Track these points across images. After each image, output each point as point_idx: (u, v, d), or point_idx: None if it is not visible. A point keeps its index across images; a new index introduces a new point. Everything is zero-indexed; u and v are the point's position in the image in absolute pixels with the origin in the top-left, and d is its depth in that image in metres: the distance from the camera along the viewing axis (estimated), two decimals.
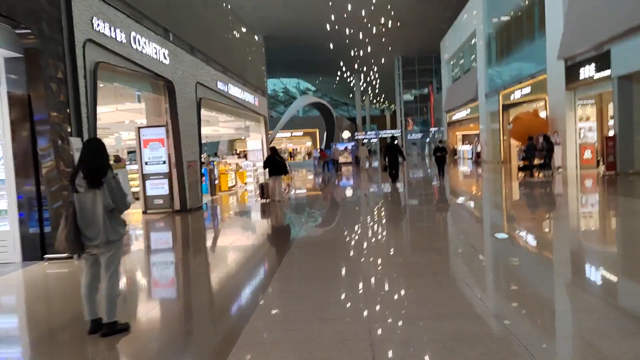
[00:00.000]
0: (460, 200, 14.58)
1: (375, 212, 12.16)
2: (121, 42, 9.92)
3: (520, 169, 19.66)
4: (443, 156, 19.53)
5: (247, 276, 6.58)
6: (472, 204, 13.60)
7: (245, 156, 26.44)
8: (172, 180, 13.18)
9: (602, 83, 18.35)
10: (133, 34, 10.48)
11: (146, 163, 13.29)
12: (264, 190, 15.11)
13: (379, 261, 6.60)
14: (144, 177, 13.31)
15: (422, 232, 8.79)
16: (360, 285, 5.27)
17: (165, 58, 12.19)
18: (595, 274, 5.67)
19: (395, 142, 20.67)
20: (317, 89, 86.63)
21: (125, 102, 13.64)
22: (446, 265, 6.13)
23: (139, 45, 10.67)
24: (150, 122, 13.37)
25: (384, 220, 10.74)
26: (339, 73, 66.81)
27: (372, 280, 5.53)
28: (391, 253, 7.16)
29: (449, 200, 14.36)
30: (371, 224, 10.23)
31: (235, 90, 18.85)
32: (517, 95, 26.80)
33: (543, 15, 22.92)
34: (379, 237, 8.57)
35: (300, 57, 60.38)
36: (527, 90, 25.40)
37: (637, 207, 11.18)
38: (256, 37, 23.99)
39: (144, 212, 13.30)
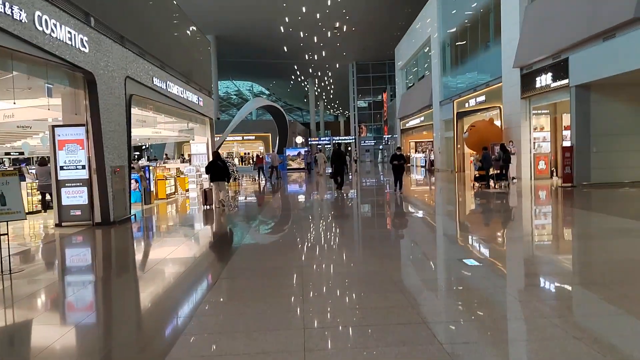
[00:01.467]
0: (417, 214, 13.42)
1: (318, 223, 10.81)
2: (21, 21, 8.09)
3: (476, 179, 18.84)
4: (401, 165, 17.32)
5: (168, 304, 5.36)
6: (430, 220, 12.44)
7: (189, 160, 24.50)
8: (92, 188, 11.32)
9: (559, 92, 17.80)
10: (38, 13, 8.65)
11: (61, 168, 11.36)
12: (206, 197, 14.73)
13: (323, 300, 5.20)
14: (59, 184, 11.37)
15: (375, 258, 7.46)
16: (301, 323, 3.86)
17: (83, 46, 10.37)
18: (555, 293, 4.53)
19: (341, 149, 20.92)
20: (271, 93, 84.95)
21: (39, 97, 11.68)
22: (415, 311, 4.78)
23: (46, 27, 8.84)
24: (67, 120, 11.46)
25: (328, 235, 9.38)
26: (293, 77, 65.50)
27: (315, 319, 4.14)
28: (340, 289, 5.75)
29: (405, 214, 13.17)
30: (312, 236, 8.88)
31: (175, 89, 17.04)
32: (471, 103, 26.25)
33: (499, 24, 22.37)
34: (321, 257, 7.20)
35: (254, 60, 58.65)
36: (482, 98, 24.86)
37: (596, 221, 10.39)
38: (200, 34, 22.15)
39: (58, 225, 11.35)
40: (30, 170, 15.46)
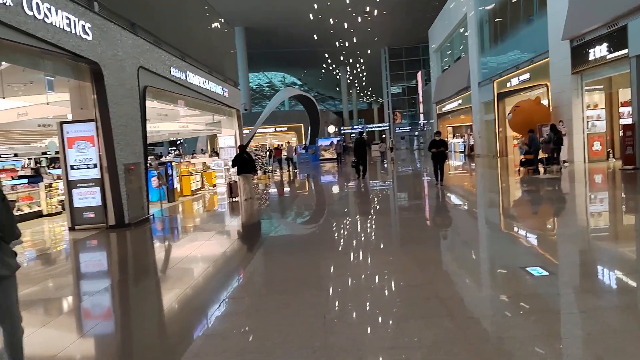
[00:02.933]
0: (461, 207, 11.98)
1: (348, 219, 9.56)
2: (4, 4, 7.13)
3: (522, 164, 17.10)
4: (441, 152, 14.51)
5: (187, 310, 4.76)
6: (477, 215, 10.97)
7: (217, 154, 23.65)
8: (105, 189, 10.43)
9: (616, 64, 15.83)
10: None
11: (72, 167, 10.51)
12: (232, 189, 14.76)
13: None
14: (70, 185, 10.53)
15: (414, 267, 6.16)
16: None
17: (86, 33, 9.40)
18: None
19: (363, 138, 19.68)
20: (303, 83, 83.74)
21: (47, 92, 10.86)
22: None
23: (38, 12, 7.87)
24: (76, 115, 10.58)
25: (360, 234, 8.12)
26: (324, 66, 64.04)
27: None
28: (370, 315, 4.50)
29: (448, 209, 11.75)
30: (340, 237, 7.66)
31: (196, 79, 16.05)
32: (514, 82, 24.27)
33: None
34: (353, 265, 5.98)
35: (285, 50, 57.50)
36: (526, 76, 22.87)
37: None
38: (224, 23, 21.08)
39: (71, 229, 10.54)
40: (48, 171, 14.80)
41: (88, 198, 10.50)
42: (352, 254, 6.74)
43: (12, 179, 13.28)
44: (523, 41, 23.77)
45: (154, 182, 14.78)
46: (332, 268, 6.07)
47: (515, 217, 9.57)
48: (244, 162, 14.15)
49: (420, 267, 5.72)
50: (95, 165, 10.44)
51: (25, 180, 13.20)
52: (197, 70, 16.26)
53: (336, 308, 4.48)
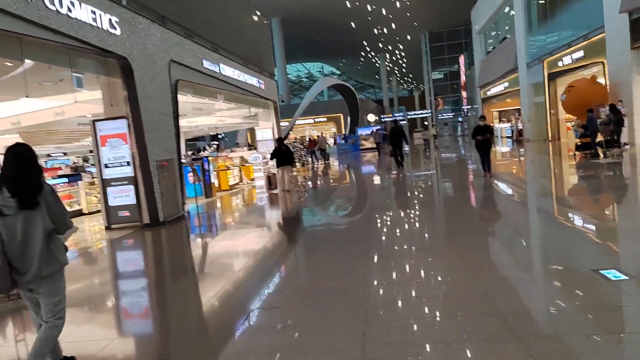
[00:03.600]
0: (514, 198, 11.06)
1: (387, 212, 8.88)
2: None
3: (578, 148, 15.83)
4: (487, 140, 12.88)
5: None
6: (534, 206, 10.06)
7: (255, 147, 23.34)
8: (138, 187, 10.17)
9: None
10: None
11: (106, 165, 10.30)
12: (270, 182, 14.99)
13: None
14: (104, 184, 10.34)
15: (465, 270, 5.46)
16: None
17: (113, 27, 9.09)
18: None
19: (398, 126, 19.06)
20: (342, 72, 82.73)
21: (81, 90, 10.70)
22: None
23: (60, 6, 7.57)
24: (108, 112, 10.35)
25: (400, 231, 7.44)
26: (362, 54, 62.90)
27: None
28: (416, 330, 3.87)
29: (499, 200, 10.86)
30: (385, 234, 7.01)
31: (230, 71, 15.67)
32: (566, 61, 22.67)
33: None
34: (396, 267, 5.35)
35: (322, 40, 56.76)
36: (579, 54, 21.27)
37: None
38: (259, 14, 20.60)
39: (108, 228, 10.36)
40: (87, 170, 14.82)
41: (122, 196, 10.27)
42: (392, 255, 6.09)
43: (53, 178, 13.32)
44: (575, 17, 22.13)
45: (190, 178, 14.56)
46: (371, 272, 5.44)
47: (576, 208, 8.62)
48: (283, 154, 14.20)
49: (474, 272, 5.01)
50: (128, 163, 10.19)
51: (65, 180, 13.20)
52: (231, 62, 15.87)
53: (376, 324, 3.86)
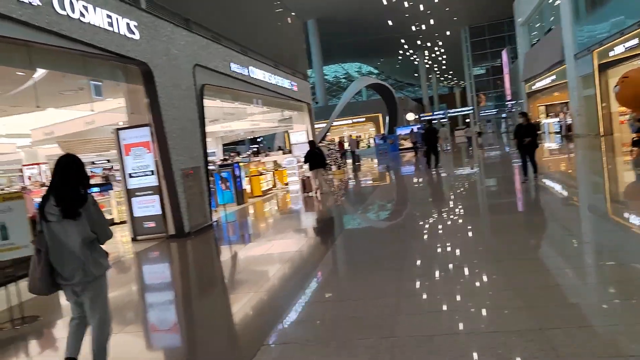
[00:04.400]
0: (567, 206, 9.97)
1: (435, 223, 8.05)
2: (31, 3, 6.45)
3: (635, 143, 14.40)
4: (533, 142, 11.00)
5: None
6: (597, 215, 8.98)
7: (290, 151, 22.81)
8: (163, 196, 9.76)
9: None
10: None
11: (130, 175, 9.96)
12: (305, 185, 15.18)
13: None
14: (129, 194, 9.99)
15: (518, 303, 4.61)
16: None
17: (131, 32, 8.68)
18: None
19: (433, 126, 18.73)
20: (380, 72, 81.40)
21: (108, 98, 10.42)
22: None
23: (72, 10, 7.18)
24: (132, 121, 10.00)
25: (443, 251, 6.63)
26: (400, 52, 61.55)
27: None
28: None
29: (547, 209, 9.81)
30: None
31: (261, 74, 15.16)
32: (618, 50, 20.97)
33: None
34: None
35: (359, 40, 55.82)
36: (634, 42, 19.56)
37: None
38: (290, 14, 20.05)
39: (134, 239, 10.01)
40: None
41: (148, 207, 9.89)
42: (427, 275, 5.31)
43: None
44: (628, 2, 20.42)
45: (222, 185, 14.15)
46: (403, 299, 4.69)
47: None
48: (316, 157, 14.19)
49: (525, 300, 4.18)
50: (152, 172, 9.80)
51: (97, 189, 13.03)
52: (261, 65, 15.37)
53: None
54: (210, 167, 12.81)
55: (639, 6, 19.06)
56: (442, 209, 9.82)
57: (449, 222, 8.29)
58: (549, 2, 32.23)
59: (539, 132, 10.84)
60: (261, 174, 15.97)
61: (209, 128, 18.45)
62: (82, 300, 3.41)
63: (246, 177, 15.33)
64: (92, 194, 3.65)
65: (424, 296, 4.69)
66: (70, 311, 3.55)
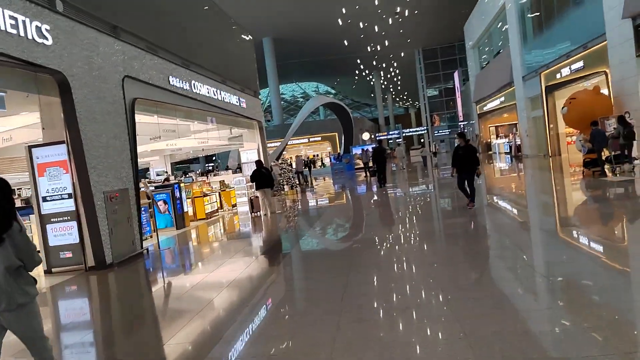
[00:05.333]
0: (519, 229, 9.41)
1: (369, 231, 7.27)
2: None
3: (586, 164, 14.26)
4: (473, 169, 10.06)
5: None
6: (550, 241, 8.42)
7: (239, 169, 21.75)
8: (81, 223, 8.56)
9: None
10: None
11: (44, 199, 8.71)
12: (253, 205, 14.84)
13: None
14: (43, 220, 8.73)
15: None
16: None
17: (42, 36, 7.58)
18: None
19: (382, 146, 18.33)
20: (337, 92, 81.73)
21: (20, 112, 9.19)
22: None
23: None
24: (46, 137, 8.79)
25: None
26: (357, 72, 61.83)
27: None
28: None
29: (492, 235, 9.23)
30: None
31: (205, 89, 14.17)
32: (564, 72, 21.25)
33: None
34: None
35: (315, 59, 55.70)
36: (579, 64, 19.84)
37: None
38: (240, 28, 19.22)
39: (47, 272, 8.71)
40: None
41: (64, 235, 8.65)
42: (371, 318, 4.45)
43: None
44: (573, 25, 20.78)
45: (162, 206, 12.98)
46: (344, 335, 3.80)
47: (605, 241, 6.98)
48: (262, 177, 13.95)
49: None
50: (70, 196, 8.60)
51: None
52: (206, 80, 14.39)
53: None
54: (146, 189, 11.64)
55: (584, 29, 19.36)
56: (386, 233, 9.06)
57: (389, 247, 7.52)
58: (497, 26, 32.91)
59: (480, 154, 10.10)
60: (205, 194, 14.85)
61: (152, 146, 17.23)
62: (14, 331, 3.24)
63: (188, 198, 14.19)
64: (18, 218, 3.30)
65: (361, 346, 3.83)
66: None
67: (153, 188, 13.17)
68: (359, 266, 6.63)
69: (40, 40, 7.51)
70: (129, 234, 9.36)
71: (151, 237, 11.70)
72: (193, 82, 13.36)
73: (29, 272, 3.29)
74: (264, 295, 5.96)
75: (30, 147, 8.70)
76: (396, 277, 5.96)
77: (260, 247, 9.92)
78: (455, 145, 10.59)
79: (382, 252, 7.50)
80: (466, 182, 10.13)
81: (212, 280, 7.08)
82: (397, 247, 7.76)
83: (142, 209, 11.53)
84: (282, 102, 63.83)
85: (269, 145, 37.85)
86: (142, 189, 10.79)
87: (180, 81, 12.51)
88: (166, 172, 24.07)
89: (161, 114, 12.27)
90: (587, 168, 14.01)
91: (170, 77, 12.00)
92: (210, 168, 52.30)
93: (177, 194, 13.00)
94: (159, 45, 11.65)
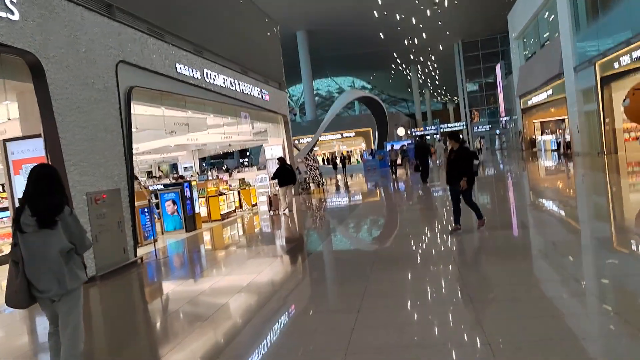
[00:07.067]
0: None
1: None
2: None
3: None
4: (470, 180, 7.44)
5: None
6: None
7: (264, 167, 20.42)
8: None
9: None
10: None
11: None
12: (271, 203, 14.17)
13: None
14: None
15: None
16: None
17: (7, 9, 6.32)
18: None
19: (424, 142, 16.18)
20: (373, 86, 79.55)
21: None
22: None
23: None
24: (23, 130, 7.60)
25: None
26: (393, 66, 59.66)
27: None
28: None
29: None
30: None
31: (221, 79, 12.83)
32: (624, 61, 18.80)
33: None
34: None
35: (351, 53, 53.91)
36: None
37: None
38: (264, 15, 17.80)
39: None
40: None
41: None
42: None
43: None
44: (634, 9, 18.29)
45: (170, 206, 11.74)
46: None
47: None
48: (286, 173, 13.52)
49: None
50: None
51: (7, 214, 10.56)
52: (222, 69, 13.04)
53: None
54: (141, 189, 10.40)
55: None
56: (408, 240, 7.40)
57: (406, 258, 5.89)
58: (544, 16, 30.31)
59: (477, 162, 7.66)
60: (221, 194, 13.54)
61: (171, 140, 16.07)
62: (57, 310, 3.31)
63: (201, 197, 12.91)
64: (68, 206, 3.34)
65: None
66: (48, 326, 3.46)
67: (162, 186, 11.96)
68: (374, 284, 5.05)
69: (3, 14, 6.26)
70: (120, 241, 8.08)
71: (155, 241, 10.47)
72: (206, 70, 12.02)
73: (80, 255, 3.37)
74: (263, 322, 4.47)
75: (4, 141, 7.54)
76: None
77: (272, 253, 8.45)
78: (449, 149, 7.96)
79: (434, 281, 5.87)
80: (462, 196, 7.53)
81: (206, 301, 5.67)
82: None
83: (146, 210, 10.32)
84: (317, 98, 62.51)
85: (302, 140, 36.59)
86: (139, 188, 9.51)
87: (190, 69, 11.18)
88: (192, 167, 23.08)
89: (169, 106, 11.00)
90: None
91: (178, 64, 10.68)
92: (246, 163, 51.54)
93: (188, 194, 11.72)
94: (164, 28, 10.35)
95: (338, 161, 35.89)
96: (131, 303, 6.66)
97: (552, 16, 28.14)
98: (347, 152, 50.06)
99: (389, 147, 30.24)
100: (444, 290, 5.14)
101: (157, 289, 7.17)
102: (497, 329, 3.82)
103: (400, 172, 26.55)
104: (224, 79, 13.00)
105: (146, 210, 10.23)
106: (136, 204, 9.91)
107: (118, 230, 8.08)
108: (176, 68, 10.60)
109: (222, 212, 13.27)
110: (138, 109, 9.97)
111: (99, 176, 7.81)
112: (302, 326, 4.60)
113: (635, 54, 17.97)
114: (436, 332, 3.96)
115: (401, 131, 41.69)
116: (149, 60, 9.59)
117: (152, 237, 10.28)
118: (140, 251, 9.36)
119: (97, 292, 7.01)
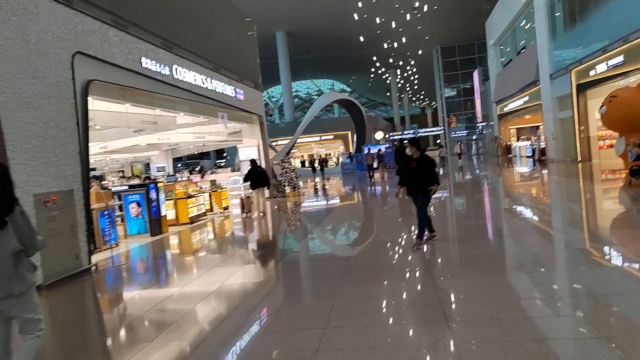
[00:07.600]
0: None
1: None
2: None
3: (633, 172, 11.96)
4: (426, 172, 6.90)
5: None
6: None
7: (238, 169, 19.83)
8: None
9: None
10: None
11: None
12: (244, 205, 14.08)
13: None
14: None
15: None
16: None
17: None
18: None
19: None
20: (352, 90, 79.46)
21: None
22: None
23: None
24: None
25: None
26: (373, 70, 59.56)
27: None
28: None
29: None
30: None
31: (191, 76, 12.23)
32: (600, 69, 18.87)
33: None
34: None
35: (330, 55, 53.59)
36: (618, 60, 17.46)
37: None
38: (238, 12, 17.25)
39: None
40: None
41: None
42: None
43: None
44: (611, 17, 18.37)
45: (135, 208, 11.10)
46: None
47: None
48: (258, 175, 13.31)
49: None
50: None
51: None
52: (193, 65, 12.45)
53: None
54: (112, 188, 9.76)
55: (624, 21, 16.97)
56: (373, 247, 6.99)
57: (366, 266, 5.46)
58: (521, 24, 30.51)
59: (437, 169, 7.08)
60: (190, 196, 12.92)
61: (142, 139, 15.38)
62: (8, 315, 3.15)
63: (169, 200, 12.28)
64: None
65: None
66: None
67: (127, 187, 11.30)
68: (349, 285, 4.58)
69: None
70: (72, 247, 7.45)
71: (117, 245, 9.83)
72: (175, 66, 11.43)
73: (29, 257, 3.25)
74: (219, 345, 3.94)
75: None
76: None
77: (239, 260, 7.92)
78: (406, 153, 7.18)
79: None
80: (417, 205, 7.01)
81: (156, 319, 5.11)
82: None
83: (107, 212, 9.67)
84: (296, 100, 61.96)
85: (279, 142, 36.01)
86: (94, 188, 8.87)
87: (158, 64, 10.57)
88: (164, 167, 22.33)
89: (134, 103, 10.37)
90: (635, 177, 11.73)
91: (144, 58, 10.07)
92: (222, 164, 50.59)
93: (153, 196, 11.09)
94: (128, 19, 9.71)
95: (316, 164, 35.49)
96: (79, 314, 6.05)
97: (529, 24, 28.31)
98: (326, 154, 49.64)
99: (365, 151, 29.98)
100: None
101: (112, 299, 6.57)
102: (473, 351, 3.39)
103: (377, 175, 26.30)
104: (194, 75, 12.41)
105: (106, 213, 9.58)
106: (95, 206, 9.30)
107: (70, 235, 7.44)
108: (141, 62, 9.98)
109: (191, 215, 12.65)
110: (99, 105, 9.35)
111: (49, 176, 7.18)
112: (264, 346, 4.10)
113: (611, 62, 18.03)
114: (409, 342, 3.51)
115: (379, 135, 41.49)
116: (109, 52, 8.97)
117: (113, 242, 9.65)
118: (98, 257, 8.74)
119: (44, 303, 6.38)
